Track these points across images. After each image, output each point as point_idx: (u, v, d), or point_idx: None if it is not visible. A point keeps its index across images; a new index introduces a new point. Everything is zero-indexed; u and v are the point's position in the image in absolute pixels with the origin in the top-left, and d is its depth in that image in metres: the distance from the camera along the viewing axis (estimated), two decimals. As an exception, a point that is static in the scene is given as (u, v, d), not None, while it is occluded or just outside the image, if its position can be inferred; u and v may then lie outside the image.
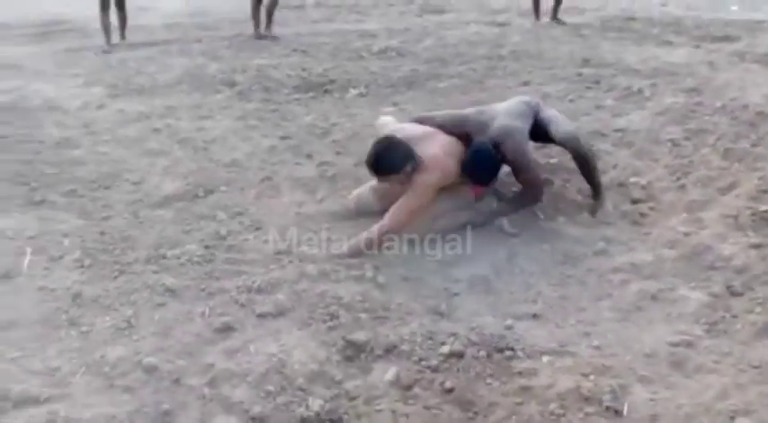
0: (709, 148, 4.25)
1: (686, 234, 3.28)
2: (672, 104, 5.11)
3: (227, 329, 2.69)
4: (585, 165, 3.61)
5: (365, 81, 6.24)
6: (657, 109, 5.06)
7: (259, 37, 8.11)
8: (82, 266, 3.18)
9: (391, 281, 3.02)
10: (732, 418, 2.10)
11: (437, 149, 3.38)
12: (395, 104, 5.65)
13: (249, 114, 5.40)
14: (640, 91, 5.47)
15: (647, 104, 5.23)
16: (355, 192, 3.74)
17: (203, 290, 2.96)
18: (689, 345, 2.52)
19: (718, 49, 6.81)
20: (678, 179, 3.92)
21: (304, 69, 6.64)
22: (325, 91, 6.01)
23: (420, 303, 2.86)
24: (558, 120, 3.71)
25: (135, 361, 2.52)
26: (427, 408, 2.25)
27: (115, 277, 3.09)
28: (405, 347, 2.55)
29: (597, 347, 2.53)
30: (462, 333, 2.61)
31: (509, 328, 2.65)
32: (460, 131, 3.61)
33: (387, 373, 2.43)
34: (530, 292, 2.92)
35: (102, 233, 3.53)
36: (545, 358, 2.46)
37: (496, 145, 3.43)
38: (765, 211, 3.33)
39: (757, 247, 3.07)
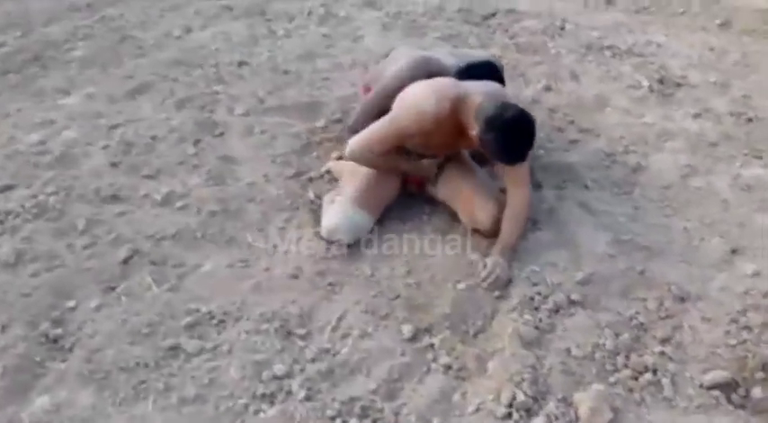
0: (531, 52, 4.31)
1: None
2: (397, 16, 4.88)
3: None
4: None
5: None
6: (397, 34, 4.72)
7: None
8: None
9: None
10: None
11: None
12: (66, 93, 3.82)
13: None
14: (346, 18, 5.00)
15: (376, 30, 4.81)
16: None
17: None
18: None
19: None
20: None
21: None
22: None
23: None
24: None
25: None
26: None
27: None
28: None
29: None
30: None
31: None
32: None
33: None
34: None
35: None
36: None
37: None
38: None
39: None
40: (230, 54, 4.28)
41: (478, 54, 3.11)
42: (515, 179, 2.48)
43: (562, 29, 4.62)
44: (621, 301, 2.26)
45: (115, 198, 2.79)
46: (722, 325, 2.15)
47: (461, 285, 2.29)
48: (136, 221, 2.65)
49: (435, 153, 2.66)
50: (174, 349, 2.05)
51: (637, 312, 2.21)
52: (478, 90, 2.43)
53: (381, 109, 2.70)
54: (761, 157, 3.08)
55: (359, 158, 2.52)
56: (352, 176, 2.68)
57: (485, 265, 2.31)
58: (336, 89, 3.81)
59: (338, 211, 2.51)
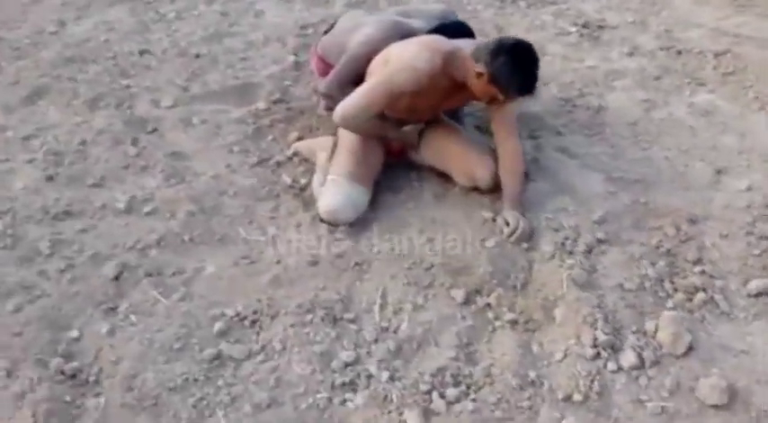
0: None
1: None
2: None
3: None
4: None
5: None
6: (299, 5, 4.66)
7: None
8: None
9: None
10: None
11: None
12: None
13: None
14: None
15: (275, 3, 4.74)
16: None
17: None
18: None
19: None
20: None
21: None
22: None
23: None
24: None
25: None
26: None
27: None
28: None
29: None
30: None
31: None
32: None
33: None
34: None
35: None
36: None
37: None
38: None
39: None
40: (125, 44, 4.07)
41: (435, 7, 3.17)
42: (505, 128, 2.58)
43: (471, -17, 4.76)
44: (640, 232, 2.44)
45: (68, 214, 2.60)
46: (740, 238, 2.39)
47: (489, 243, 2.36)
48: (105, 235, 2.49)
49: (417, 117, 2.70)
50: (218, 358, 1.97)
51: (660, 241, 2.40)
52: (464, 44, 2.51)
53: (355, 74, 2.71)
54: (704, 84, 3.41)
55: (349, 123, 2.52)
56: (335, 153, 2.67)
57: (506, 222, 2.40)
58: (260, 68, 3.75)
59: (335, 192, 2.50)
